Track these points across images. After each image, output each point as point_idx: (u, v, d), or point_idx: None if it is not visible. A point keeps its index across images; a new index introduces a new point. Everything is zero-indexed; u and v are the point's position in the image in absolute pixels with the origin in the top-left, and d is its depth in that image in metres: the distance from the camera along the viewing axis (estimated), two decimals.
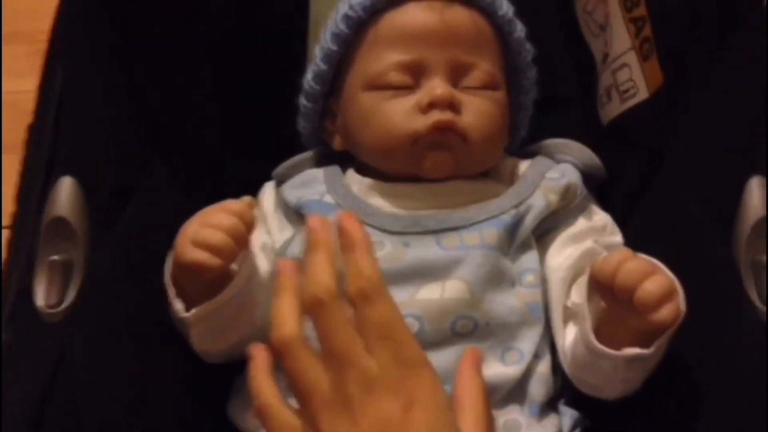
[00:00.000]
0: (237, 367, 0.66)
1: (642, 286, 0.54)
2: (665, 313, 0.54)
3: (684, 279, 0.57)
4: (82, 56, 0.65)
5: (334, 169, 0.71)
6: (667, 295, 0.54)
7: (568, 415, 0.64)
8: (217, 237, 0.57)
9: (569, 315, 0.64)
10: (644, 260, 0.56)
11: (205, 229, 0.58)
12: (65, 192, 0.62)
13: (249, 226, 0.60)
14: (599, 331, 0.59)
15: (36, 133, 0.64)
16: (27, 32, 1.06)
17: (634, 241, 0.67)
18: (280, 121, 0.75)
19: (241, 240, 0.59)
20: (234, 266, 0.61)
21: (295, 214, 0.69)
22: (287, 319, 0.50)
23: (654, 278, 0.54)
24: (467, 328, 0.61)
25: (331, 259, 0.51)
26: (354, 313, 0.49)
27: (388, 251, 0.63)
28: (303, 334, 0.49)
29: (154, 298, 0.62)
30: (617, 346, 0.57)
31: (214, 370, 0.65)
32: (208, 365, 0.65)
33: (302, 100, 0.73)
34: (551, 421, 0.62)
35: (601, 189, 0.72)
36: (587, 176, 0.70)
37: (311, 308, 0.49)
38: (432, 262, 0.62)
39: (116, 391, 0.60)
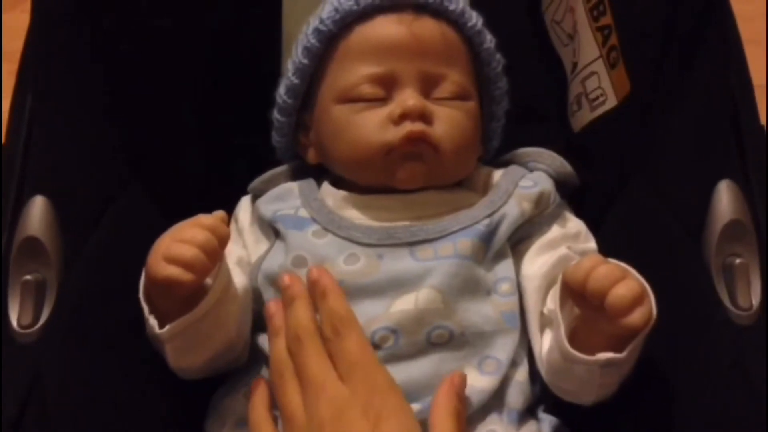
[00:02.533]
0: (214, 385, 0.66)
1: (613, 291, 0.54)
2: (637, 316, 0.54)
3: (656, 283, 0.58)
4: (54, 76, 0.65)
5: (309, 183, 0.72)
6: (638, 299, 0.55)
7: (546, 421, 0.64)
8: (189, 252, 0.57)
9: (546, 322, 0.64)
10: (615, 265, 0.57)
11: (177, 244, 0.58)
12: (37, 211, 0.62)
13: (222, 240, 0.60)
14: (574, 337, 0.59)
15: (8, 153, 0.63)
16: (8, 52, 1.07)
17: (608, 247, 0.67)
18: (254, 136, 0.75)
19: (213, 255, 0.59)
20: (208, 281, 0.61)
21: (271, 228, 0.69)
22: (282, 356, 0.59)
23: (625, 282, 0.55)
24: (443, 338, 0.62)
25: (306, 304, 0.60)
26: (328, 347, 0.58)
27: (363, 264, 0.63)
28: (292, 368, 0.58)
29: (130, 315, 0.62)
30: (591, 352, 0.57)
31: (191, 389, 0.65)
32: (185, 383, 0.64)
33: (276, 115, 0.73)
34: (530, 428, 0.62)
35: (574, 196, 0.73)
36: (560, 184, 0.70)
37: (290, 344, 0.59)
38: (406, 274, 0.63)
39: (92, 412, 0.60)
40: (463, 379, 0.59)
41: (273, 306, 0.62)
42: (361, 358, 0.57)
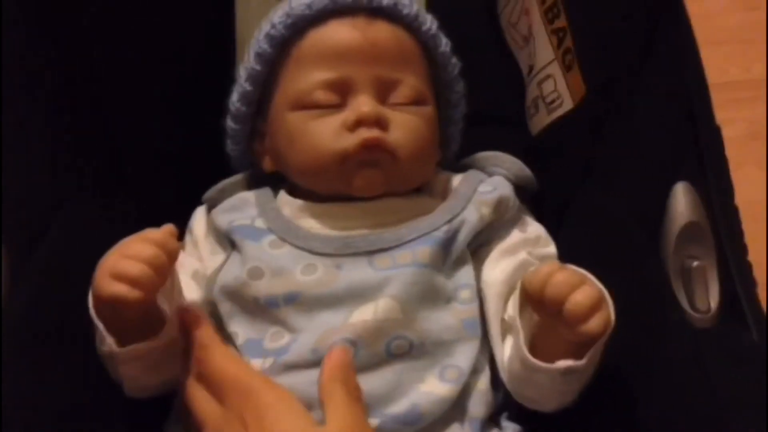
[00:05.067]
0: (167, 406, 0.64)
1: (570, 298, 0.54)
2: (594, 323, 0.54)
3: (614, 286, 0.58)
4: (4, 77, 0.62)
5: (266, 192, 0.70)
6: (596, 306, 0.54)
7: (510, 429, 0.63)
8: (136, 268, 0.55)
9: (507, 328, 0.63)
10: (573, 271, 0.56)
11: (124, 260, 0.56)
12: None
13: (171, 255, 0.58)
14: (534, 345, 0.59)
15: None
16: None
17: (567, 250, 0.67)
18: (207, 145, 0.74)
19: (162, 270, 0.57)
20: (163, 304, 0.59)
21: (227, 239, 0.68)
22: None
23: (582, 289, 0.54)
24: (402, 348, 0.61)
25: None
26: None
27: (321, 274, 0.62)
28: None
29: (78, 327, 0.60)
30: (551, 358, 0.57)
31: (148, 406, 0.63)
32: (136, 407, 0.63)
33: (229, 122, 0.72)
34: None
35: (533, 199, 0.72)
36: (520, 188, 0.70)
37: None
38: (364, 284, 0.62)
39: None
40: (345, 353, 0.59)
41: (190, 316, 0.62)
42: (227, 372, 0.58)
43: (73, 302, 0.60)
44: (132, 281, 0.55)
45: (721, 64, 1.26)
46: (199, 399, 0.59)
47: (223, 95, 0.72)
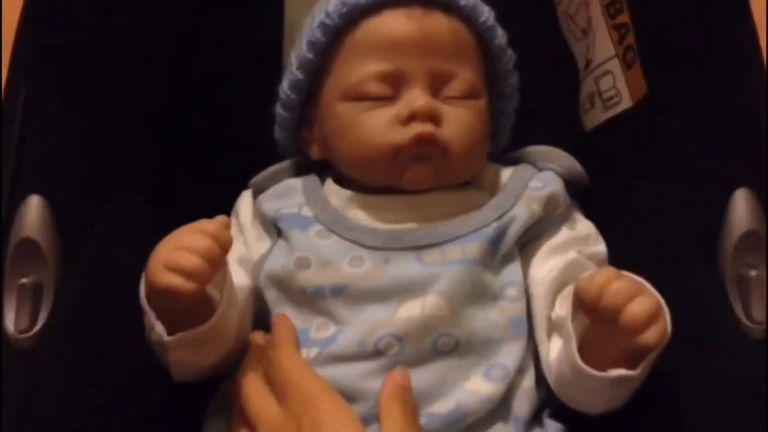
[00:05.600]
0: (210, 393, 0.65)
1: (628, 308, 0.53)
2: (651, 335, 0.53)
3: (667, 293, 0.56)
4: (45, 73, 0.62)
5: (313, 180, 0.70)
6: (653, 317, 0.53)
7: (552, 428, 0.63)
8: (191, 261, 0.56)
9: (553, 327, 0.63)
10: (630, 280, 0.55)
11: (179, 252, 0.56)
12: (33, 212, 0.60)
13: (224, 247, 0.58)
14: (584, 348, 0.58)
15: (2, 151, 0.61)
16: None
17: (617, 251, 0.66)
18: (255, 133, 0.73)
19: (215, 263, 0.57)
20: (212, 290, 0.59)
21: (273, 226, 0.68)
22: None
23: (640, 299, 0.53)
24: (449, 346, 0.60)
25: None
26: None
27: (368, 268, 0.62)
28: None
29: (128, 319, 0.61)
30: (602, 364, 0.56)
31: (188, 397, 0.64)
32: (183, 392, 0.63)
33: (278, 109, 0.71)
34: None
35: (583, 196, 0.71)
36: (570, 183, 0.69)
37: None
38: (412, 279, 0.61)
39: (89, 420, 0.58)
40: (406, 375, 0.59)
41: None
42: (292, 374, 0.59)
43: (121, 292, 0.60)
44: (187, 273, 0.55)
45: None
46: (256, 397, 0.59)
47: (269, 83, 0.71)
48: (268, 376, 0.60)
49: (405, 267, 0.62)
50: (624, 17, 0.64)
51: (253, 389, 0.60)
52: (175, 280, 0.55)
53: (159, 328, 0.58)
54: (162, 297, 0.57)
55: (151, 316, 0.59)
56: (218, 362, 0.63)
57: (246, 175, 0.71)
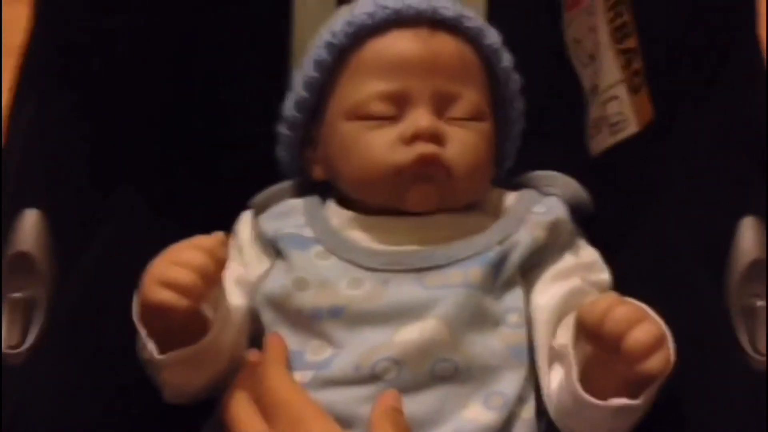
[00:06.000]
0: (205, 410, 0.63)
1: (630, 335, 0.52)
2: (654, 363, 0.52)
3: (672, 321, 0.55)
4: (49, 87, 0.62)
5: (314, 200, 0.69)
6: (657, 344, 0.52)
7: None
8: (185, 277, 0.55)
9: (555, 356, 0.61)
10: (633, 306, 0.54)
11: (174, 267, 0.55)
12: (30, 225, 0.60)
13: (220, 264, 0.57)
14: (586, 377, 0.56)
15: (3, 163, 0.61)
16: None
17: (621, 279, 0.65)
18: (256, 150, 0.73)
19: (211, 279, 0.56)
20: (206, 310, 0.58)
21: (272, 247, 0.67)
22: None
23: (643, 326, 0.52)
24: (447, 371, 0.59)
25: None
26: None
27: (367, 290, 0.61)
28: None
29: (123, 337, 0.60)
30: (604, 393, 0.55)
31: (182, 416, 0.63)
32: (177, 410, 0.62)
33: (282, 129, 0.71)
34: None
35: (588, 222, 0.70)
36: (574, 209, 0.68)
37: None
38: (412, 302, 0.60)
39: None
40: (395, 395, 0.57)
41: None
42: (281, 395, 0.57)
43: (116, 309, 0.60)
44: (181, 289, 0.54)
45: None
46: (244, 416, 0.58)
47: (271, 101, 0.71)
48: (258, 396, 0.58)
49: (405, 290, 0.61)
50: (631, 42, 0.63)
51: (241, 408, 0.58)
52: (169, 296, 0.54)
53: (150, 346, 0.57)
54: (155, 313, 0.56)
55: (143, 333, 0.58)
56: (211, 384, 0.62)
57: (247, 176, 0.71)
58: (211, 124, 0.74)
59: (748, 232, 0.57)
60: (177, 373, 0.59)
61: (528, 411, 0.61)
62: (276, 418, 0.56)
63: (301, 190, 0.71)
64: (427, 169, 0.62)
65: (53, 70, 0.63)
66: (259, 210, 0.70)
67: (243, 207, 0.71)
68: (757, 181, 0.58)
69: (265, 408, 0.57)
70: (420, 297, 0.60)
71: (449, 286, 0.61)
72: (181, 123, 0.72)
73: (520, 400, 0.60)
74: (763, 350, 0.54)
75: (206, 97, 0.74)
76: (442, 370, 0.59)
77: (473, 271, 0.61)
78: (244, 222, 0.70)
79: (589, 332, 0.54)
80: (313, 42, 0.70)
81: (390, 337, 0.59)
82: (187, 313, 0.55)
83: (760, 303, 0.56)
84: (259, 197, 0.71)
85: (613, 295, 0.55)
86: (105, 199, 0.65)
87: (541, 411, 0.61)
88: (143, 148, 0.69)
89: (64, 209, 0.62)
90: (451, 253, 0.62)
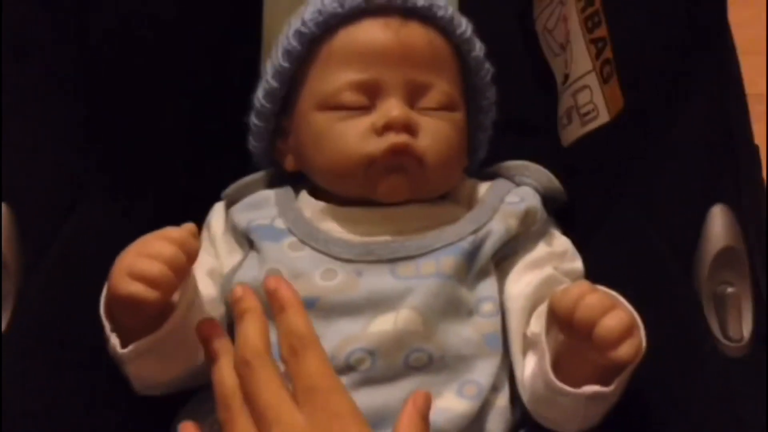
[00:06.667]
0: (175, 404, 0.63)
1: (601, 322, 0.52)
2: (625, 349, 0.52)
3: (644, 309, 0.56)
4: (16, 79, 0.61)
5: (287, 191, 0.68)
6: (628, 331, 0.52)
7: None
8: (155, 268, 0.54)
9: (528, 344, 0.62)
10: (604, 294, 0.54)
11: (143, 259, 0.55)
12: None
13: (190, 256, 0.56)
14: (558, 364, 0.57)
15: None
16: None
17: (595, 268, 0.65)
18: (228, 140, 0.72)
19: (181, 271, 0.55)
20: (175, 296, 0.57)
21: (245, 238, 0.66)
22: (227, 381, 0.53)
23: (614, 313, 0.53)
24: (421, 361, 0.59)
25: (257, 320, 0.54)
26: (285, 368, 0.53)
27: (340, 280, 0.61)
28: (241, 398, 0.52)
29: (89, 328, 0.59)
30: (577, 381, 0.55)
31: (154, 404, 0.62)
32: (147, 404, 0.61)
33: (253, 119, 0.70)
34: None
35: (561, 211, 0.70)
36: (547, 199, 0.68)
37: (239, 369, 0.53)
38: (385, 292, 0.60)
39: (51, 428, 0.56)
40: (428, 399, 0.53)
41: (206, 327, 0.56)
42: (321, 382, 0.52)
43: (84, 303, 0.59)
44: (151, 281, 0.54)
45: (751, 75, 1.23)
46: (274, 401, 0.51)
47: (246, 91, 0.70)
48: (290, 370, 0.52)
49: (378, 280, 0.61)
50: (602, 31, 0.64)
51: (269, 387, 0.51)
52: (138, 288, 0.54)
53: (114, 341, 0.57)
54: (124, 306, 0.55)
55: (107, 327, 0.57)
56: (183, 376, 0.61)
57: (223, 178, 0.70)
58: (183, 117, 0.73)
59: (717, 219, 0.57)
60: (142, 365, 0.58)
61: (502, 399, 0.61)
62: (311, 405, 0.51)
63: (274, 181, 0.71)
64: (399, 159, 0.62)
65: (22, 67, 0.62)
66: (231, 201, 0.69)
67: (215, 200, 0.71)
68: (727, 169, 0.59)
69: (298, 388, 0.52)
70: (393, 287, 0.60)
71: (422, 277, 0.60)
72: (153, 117, 0.70)
73: (495, 389, 0.61)
74: (735, 336, 0.55)
75: (178, 90, 0.73)
76: (416, 360, 0.59)
77: (446, 261, 0.61)
78: (217, 213, 0.70)
79: (560, 320, 0.54)
80: (282, 31, 0.69)
81: (364, 328, 0.59)
82: (156, 306, 0.55)
83: (730, 290, 0.56)
84: (231, 188, 0.70)
85: (585, 283, 0.55)
86: (72, 198, 0.64)
87: (515, 399, 0.62)
88: (113, 143, 0.68)
89: (30, 203, 0.60)
90: (424, 243, 0.62)
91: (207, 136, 0.75)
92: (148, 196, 0.70)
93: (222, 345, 0.55)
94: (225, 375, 0.54)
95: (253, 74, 0.75)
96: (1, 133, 0.59)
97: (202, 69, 0.74)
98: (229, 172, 0.71)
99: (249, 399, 0.52)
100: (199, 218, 0.69)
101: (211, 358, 0.55)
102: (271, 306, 0.55)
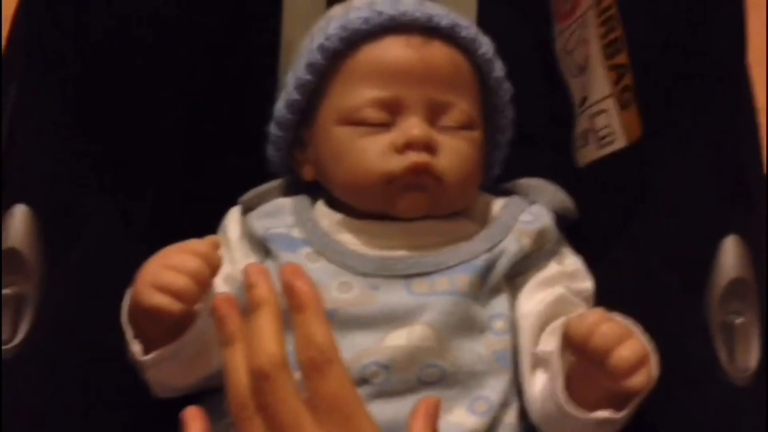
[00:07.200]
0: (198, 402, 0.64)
1: (616, 352, 0.53)
2: (638, 379, 0.54)
3: (653, 335, 0.57)
4: (37, 77, 0.61)
5: (303, 200, 0.69)
6: (641, 362, 0.54)
7: None
8: (180, 281, 0.55)
9: (537, 362, 0.63)
10: (619, 323, 0.56)
11: (167, 271, 0.56)
12: (19, 221, 0.59)
13: (213, 269, 0.57)
14: (569, 385, 0.58)
15: None
16: None
17: (604, 290, 0.66)
18: (246, 149, 0.73)
19: (204, 284, 0.57)
20: (196, 306, 0.58)
21: (262, 245, 0.67)
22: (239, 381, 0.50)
23: (628, 344, 0.54)
24: (434, 376, 0.60)
25: (275, 318, 0.50)
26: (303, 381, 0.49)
27: (356, 294, 0.62)
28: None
29: (110, 334, 0.60)
30: (587, 401, 0.57)
31: (170, 410, 0.63)
32: (165, 406, 0.62)
33: (273, 129, 0.71)
34: None
35: (572, 229, 0.71)
36: (559, 217, 0.69)
37: (256, 379, 0.49)
38: (400, 308, 0.61)
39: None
40: (437, 405, 0.52)
41: (223, 305, 0.52)
42: (343, 401, 0.50)
43: (106, 306, 0.59)
44: (175, 293, 0.55)
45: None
46: (290, 420, 0.49)
47: (246, 90, 0.71)
48: (310, 384, 0.50)
49: (393, 295, 0.62)
50: (622, 58, 0.64)
51: (290, 396, 0.49)
52: (163, 300, 0.55)
53: (136, 348, 0.58)
54: (148, 316, 0.56)
55: (129, 334, 0.58)
56: (203, 382, 0.62)
57: (237, 182, 0.70)
58: (201, 125, 0.74)
59: (729, 251, 0.59)
60: (163, 371, 0.59)
61: (511, 415, 0.62)
62: (332, 426, 0.49)
63: (290, 190, 0.71)
64: (419, 178, 0.63)
65: (39, 65, 0.62)
66: (248, 208, 0.70)
67: (215, 200, 0.71)
68: (740, 201, 0.60)
69: (317, 405, 0.49)
70: (408, 303, 0.61)
71: (436, 293, 0.62)
72: (174, 124, 0.71)
73: (504, 405, 0.62)
74: (742, 366, 0.56)
75: (177, 90, 0.73)
76: (428, 375, 0.60)
77: (460, 278, 0.62)
78: (232, 219, 0.70)
79: (575, 346, 0.56)
80: (302, 42, 0.69)
81: (378, 342, 0.60)
82: (179, 317, 0.56)
83: (739, 320, 0.58)
84: (248, 195, 0.70)
85: (600, 311, 0.57)
86: (93, 199, 0.64)
87: (522, 414, 0.63)
88: (133, 150, 0.68)
89: (53, 205, 0.61)
90: (439, 260, 0.63)
91: (207, 136, 0.74)
92: (146, 197, 0.70)
93: (239, 328, 0.52)
94: (239, 368, 0.51)
95: (253, 73, 0.74)
96: (14, 126, 0.60)
97: (203, 68, 0.73)
98: (229, 172, 0.72)
99: (266, 411, 0.49)
100: (198, 218, 0.70)
101: (224, 342, 0.52)
102: (288, 299, 0.52)
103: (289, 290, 0.51)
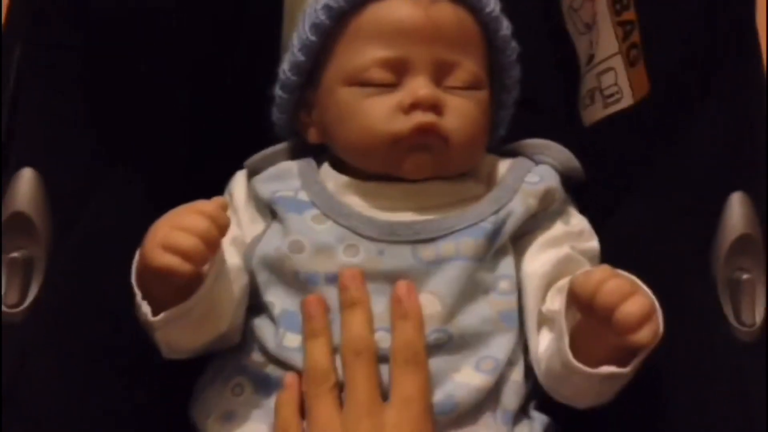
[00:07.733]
0: (201, 367, 0.64)
1: (622, 307, 0.53)
2: (644, 334, 0.54)
3: (659, 292, 0.57)
4: (42, 40, 0.61)
5: (309, 163, 0.69)
6: (647, 317, 0.54)
7: (538, 420, 0.63)
8: (189, 241, 0.55)
9: (543, 320, 0.63)
10: (626, 279, 0.56)
11: (176, 232, 0.56)
12: (26, 185, 0.59)
13: (222, 229, 0.57)
14: (575, 343, 0.58)
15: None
16: None
17: (611, 249, 0.66)
18: (250, 114, 0.72)
19: (213, 245, 0.57)
20: (204, 267, 0.59)
21: (268, 208, 0.67)
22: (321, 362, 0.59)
23: (634, 299, 0.54)
24: (441, 341, 0.61)
25: (368, 315, 0.60)
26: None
27: (362, 258, 0.62)
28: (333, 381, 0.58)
29: (120, 296, 0.60)
30: (592, 359, 0.57)
31: (179, 372, 0.64)
32: (173, 366, 0.63)
33: (277, 91, 0.70)
34: (522, 429, 0.62)
35: (578, 190, 0.71)
36: (565, 178, 0.69)
37: (347, 356, 0.58)
38: (406, 273, 0.61)
39: (79, 396, 0.58)
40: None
41: (314, 305, 0.60)
42: (422, 401, 0.57)
43: (114, 269, 0.60)
44: (184, 254, 0.55)
45: None
46: (328, 407, 0.58)
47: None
48: (395, 374, 0.59)
49: (400, 261, 0.62)
50: (630, 14, 0.64)
51: (373, 377, 0.58)
52: (172, 261, 0.55)
53: (145, 308, 0.58)
54: (156, 276, 0.56)
55: (138, 295, 0.58)
56: (210, 343, 0.63)
57: (241, 155, 0.70)
58: (184, 112, 0.72)
59: (736, 207, 0.59)
60: (171, 332, 0.60)
61: (517, 373, 0.63)
62: (404, 412, 0.57)
63: (296, 153, 0.71)
64: (425, 139, 0.63)
65: (45, 28, 0.62)
66: (253, 171, 0.70)
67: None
68: (747, 158, 0.60)
69: (395, 395, 0.58)
70: (414, 269, 0.61)
71: (443, 259, 0.62)
72: (183, 101, 0.70)
73: (510, 363, 0.62)
74: (749, 322, 0.56)
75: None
76: (436, 340, 0.60)
77: (466, 242, 0.62)
78: (239, 182, 0.70)
79: (581, 303, 0.56)
80: (306, 3, 0.69)
81: (385, 308, 0.60)
82: (189, 278, 0.56)
83: (745, 276, 0.58)
84: (254, 158, 0.70)
85: (607, 267, 0.57)
86: (101, 164, 0.64)
87: (528, 372, 0.64)
88: (140, 117, 0.68)
89: (60, 170, 0.61)
90: (446, 224, 0.63)
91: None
92: (170, 169, 0.70)
93: (324, 326, 0.60)
94: (320, 353, 0.59)
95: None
96: (20, 93, 0.60)
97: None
98: (252, 142, 0.71)
99: (349, 385, 0.58)
100: (217, 189, 0.69)
101: (309, 334, 0.60)
102: (394, 309, 0.60)
103: (398, 302, 0.60)
